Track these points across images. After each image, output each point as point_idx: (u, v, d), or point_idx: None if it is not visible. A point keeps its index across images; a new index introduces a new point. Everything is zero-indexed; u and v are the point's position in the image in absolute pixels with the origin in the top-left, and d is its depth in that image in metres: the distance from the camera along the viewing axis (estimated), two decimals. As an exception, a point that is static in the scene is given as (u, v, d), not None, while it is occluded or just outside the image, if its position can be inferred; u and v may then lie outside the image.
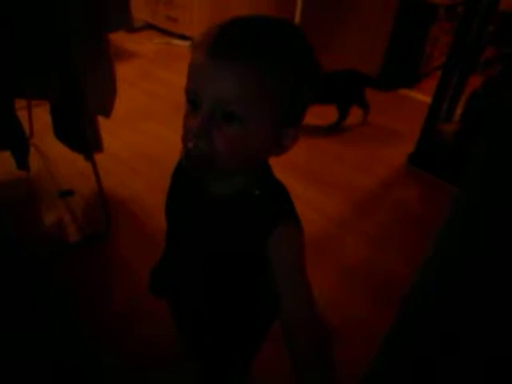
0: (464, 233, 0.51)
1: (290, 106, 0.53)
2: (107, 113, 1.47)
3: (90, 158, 1.46)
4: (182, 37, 3.48)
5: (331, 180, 1.96)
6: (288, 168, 0.66)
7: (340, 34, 2.57)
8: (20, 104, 1.78)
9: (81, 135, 1.36)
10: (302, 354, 0.50)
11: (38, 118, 1.90)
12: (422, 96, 2.83)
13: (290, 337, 0.51)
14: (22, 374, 1.07)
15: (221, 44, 0.49)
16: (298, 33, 0.54)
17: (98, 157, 1.57)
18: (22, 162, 1.50)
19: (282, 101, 0.52)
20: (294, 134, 0.56)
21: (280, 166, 0.65)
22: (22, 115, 1.82)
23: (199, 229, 0.64)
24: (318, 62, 0.55)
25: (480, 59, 2.21)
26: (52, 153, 1.87)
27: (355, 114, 2.40)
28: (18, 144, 1.43)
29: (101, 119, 1.56)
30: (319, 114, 1.96)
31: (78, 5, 1.05)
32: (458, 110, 2.17)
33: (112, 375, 1.11)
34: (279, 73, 0.50)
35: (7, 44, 1.02)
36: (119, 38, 3.34)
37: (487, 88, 1.86)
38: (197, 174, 0.60)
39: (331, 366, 0.50)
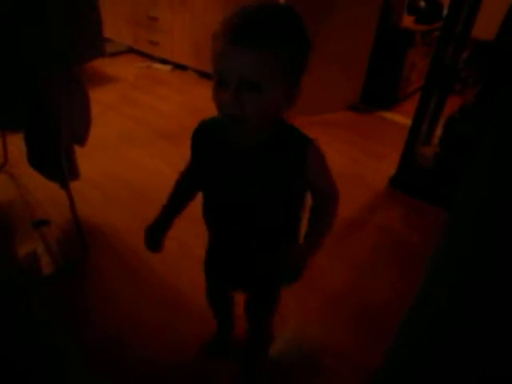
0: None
1: (295, 72, 0.70)
2: (82, 142, 1.43)
3: (65, 186, 1.42)
4: (163, 61, 3.48)
5: (313, 204, 1.95)
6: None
7: (320, 61, 2.59)
8: (-6, 131, 1.74)
9: (55, 164, 1.32)
10: (323, 216, 0.84)
11: (13, 145, 1.85)
12: (401, 118, 2.87)
13: (319, 208, 0.84)
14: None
15: (240, 33, 0.62)
16: (296, 16, 0.68)
17: (76, 184, 1.53)
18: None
19: (290, 69, 0.68)
20: (298, 90, 0.72)
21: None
22: (-3, 142, 1.78)
23: (249, 173, 0.78)
24: (309, 36, 0.70)
25: (456, 82, 2.25)
26: (27, 180, 1.82)
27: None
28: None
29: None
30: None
31: (46, 37, 1.03)
32: (437, 133, 2.20)
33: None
34: (287, 50, 0.66)
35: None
36: (99, 63, 3.33)
37: (463, 112, 1.89)
38: (236, 130, 0.73)
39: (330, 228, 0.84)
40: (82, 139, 1.41)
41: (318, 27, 2.55)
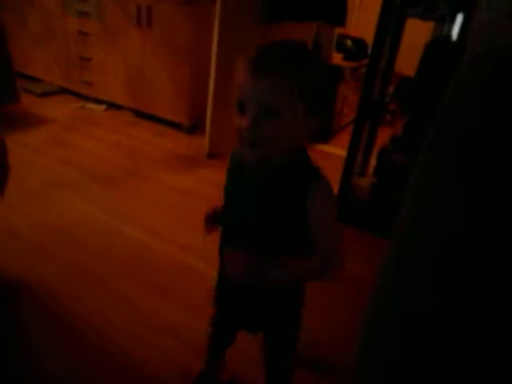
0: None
1: (312, 102, 0.74)
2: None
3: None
4: (98, 100, 3.40)
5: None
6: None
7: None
8: None
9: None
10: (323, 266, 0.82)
11: None
12: (336, 150, 2.97)
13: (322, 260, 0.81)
14: None
15: (260, 67, 0.71)
16: (310, 52, 0.77)
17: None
18: None
19: (305, 98, 0.72)
20: (318, 122, 0.76)
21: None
22: None
23: (259, 192, 0.82)
24: (329, 71, 0.79)
25: (385, 114, 2.38)
26: None
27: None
28: None
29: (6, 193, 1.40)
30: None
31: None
32: (372, 164, 2.29)
33: None
34: (301, 81, 0.71)
35: None
36: (29, 103, 3.19)
37: (394, 143, 1.98)
38: (252, 155, 0.76)
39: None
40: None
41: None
